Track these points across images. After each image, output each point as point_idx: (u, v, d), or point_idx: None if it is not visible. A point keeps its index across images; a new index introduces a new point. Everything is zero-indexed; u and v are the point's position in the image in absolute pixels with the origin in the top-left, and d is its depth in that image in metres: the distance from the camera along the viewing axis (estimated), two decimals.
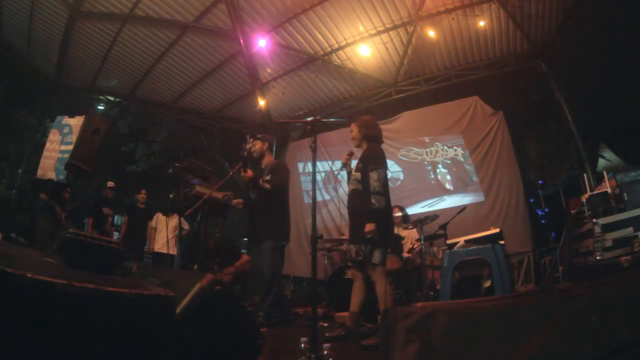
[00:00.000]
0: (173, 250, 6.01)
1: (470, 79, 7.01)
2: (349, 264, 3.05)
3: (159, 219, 6.14)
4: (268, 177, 3.50)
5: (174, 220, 5.94)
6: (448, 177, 6.67)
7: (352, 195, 3.03)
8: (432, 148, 6.85)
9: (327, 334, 2.86)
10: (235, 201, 3.56)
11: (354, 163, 3.20)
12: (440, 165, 6.73)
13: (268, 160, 3.76)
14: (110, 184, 6.01)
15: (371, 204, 2.76)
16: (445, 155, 6.73)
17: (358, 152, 3.21)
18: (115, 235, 8.77)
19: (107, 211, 5.74)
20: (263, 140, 3.71)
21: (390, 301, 2.77)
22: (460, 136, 6.69)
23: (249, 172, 3.34)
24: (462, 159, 6.59)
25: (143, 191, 6.13)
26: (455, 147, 6.67)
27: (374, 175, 2.81)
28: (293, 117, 8.34)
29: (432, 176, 6.82)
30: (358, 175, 2.99)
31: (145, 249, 6.14)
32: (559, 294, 1.46)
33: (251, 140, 3.64)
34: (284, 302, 3.85)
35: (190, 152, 11.45)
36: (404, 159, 6.89)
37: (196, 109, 8.62)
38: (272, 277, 3.41)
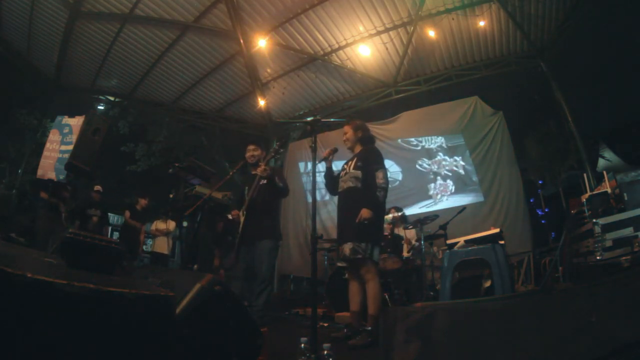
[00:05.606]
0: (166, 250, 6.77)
1: (470, 79, 7.00)
2: (340, 264, 3.01)
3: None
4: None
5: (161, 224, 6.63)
6: (443, 187, 6.68)
7: (349, 193, 2.97)
8: (436, 158, 6.85)
9: (332, 335, 2.85)
10: (234, 213, 3.53)
11: (337, 163, 3.23)
12: (439, 178, 6.74)
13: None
14: (97, 187, 6.14)
15: (376, 196, 2.79)
16: (446, 166, 6.73)
17: (345, 153, 3.25)
18: (116, 235, 9.04)
19: (93, 212, 5.78)
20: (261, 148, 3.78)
21: (380, 302, 2.75)
22: (460, 136, 6.69)
23: (267, 167, 3.34)
24: (462, 171, 6.59)
25: (144, 200, 6.43)
26: (455, 157, 6.67)
27: (379, 174, 2.86)
28: (293, 117, 8.34)
29: (431, 177, 6.82)
30: (358, 173, 2.95)
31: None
32: (559, 294, 1.47)
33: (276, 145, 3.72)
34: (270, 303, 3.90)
35: (190, 152, 11.45)
36: (421, 169, 6.89)
37: (196, 109, 8.62)
38: (271, 276, 3.50)
